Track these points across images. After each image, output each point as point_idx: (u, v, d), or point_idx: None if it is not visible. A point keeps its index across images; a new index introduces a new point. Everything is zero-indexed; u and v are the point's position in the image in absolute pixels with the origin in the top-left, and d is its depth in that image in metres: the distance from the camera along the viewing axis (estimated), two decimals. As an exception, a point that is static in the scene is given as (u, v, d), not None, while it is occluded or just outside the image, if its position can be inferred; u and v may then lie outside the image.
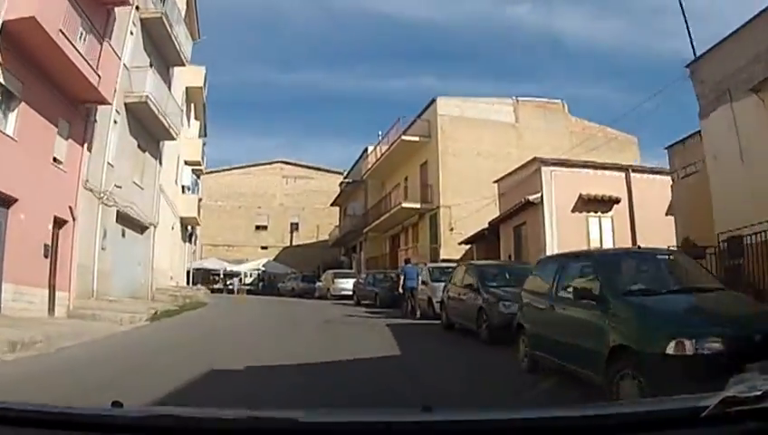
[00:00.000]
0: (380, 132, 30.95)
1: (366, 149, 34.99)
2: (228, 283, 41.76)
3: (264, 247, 48.23)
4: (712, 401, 1.24)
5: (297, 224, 49.18)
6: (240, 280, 43.80)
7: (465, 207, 23.10)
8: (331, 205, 43.03)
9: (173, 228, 26.43)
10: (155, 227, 20.28)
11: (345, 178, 39.52)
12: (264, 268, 43.51)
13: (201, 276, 43.27)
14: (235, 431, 1.38)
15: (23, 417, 1.39)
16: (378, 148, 31.56)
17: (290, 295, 32.00)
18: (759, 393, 1.22)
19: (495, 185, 20.80)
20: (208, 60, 51.13)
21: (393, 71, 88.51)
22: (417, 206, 25.99)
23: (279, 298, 30.63)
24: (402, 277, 16.66)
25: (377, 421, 1.45)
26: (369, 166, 32.30)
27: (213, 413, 1.53)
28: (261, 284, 42.26)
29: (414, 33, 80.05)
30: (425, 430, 1.39)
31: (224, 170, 49.68)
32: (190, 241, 32.44)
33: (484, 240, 20.73)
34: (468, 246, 22.67)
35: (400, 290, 16.78)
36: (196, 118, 30.54)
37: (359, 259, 33.44)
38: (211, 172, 50.53)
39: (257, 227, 49.03)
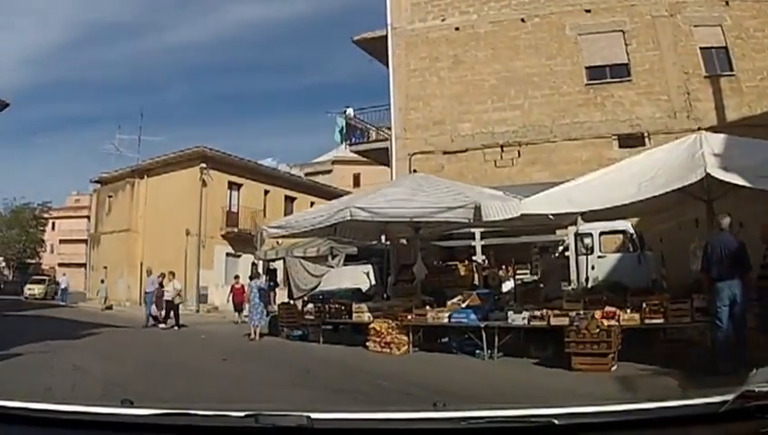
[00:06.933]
0: None
1: None
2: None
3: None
4: (731, 396, 1.24)
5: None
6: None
7: None
8: None
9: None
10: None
11: None
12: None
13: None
14: (248, 429, 1.36)
15: (31, 416, 1.40)
16: None
17: None
18: None
19: None
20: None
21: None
22: None
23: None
24: None
25: (388, 418, 1.43)
26: None
27: (224, 411, 1.46)
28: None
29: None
30: (436, 427, 1.39)
31: None
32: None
33: None
34: None
35: None
36: None
37: None
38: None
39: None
